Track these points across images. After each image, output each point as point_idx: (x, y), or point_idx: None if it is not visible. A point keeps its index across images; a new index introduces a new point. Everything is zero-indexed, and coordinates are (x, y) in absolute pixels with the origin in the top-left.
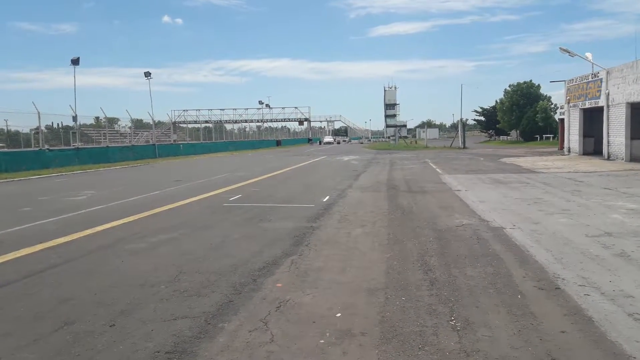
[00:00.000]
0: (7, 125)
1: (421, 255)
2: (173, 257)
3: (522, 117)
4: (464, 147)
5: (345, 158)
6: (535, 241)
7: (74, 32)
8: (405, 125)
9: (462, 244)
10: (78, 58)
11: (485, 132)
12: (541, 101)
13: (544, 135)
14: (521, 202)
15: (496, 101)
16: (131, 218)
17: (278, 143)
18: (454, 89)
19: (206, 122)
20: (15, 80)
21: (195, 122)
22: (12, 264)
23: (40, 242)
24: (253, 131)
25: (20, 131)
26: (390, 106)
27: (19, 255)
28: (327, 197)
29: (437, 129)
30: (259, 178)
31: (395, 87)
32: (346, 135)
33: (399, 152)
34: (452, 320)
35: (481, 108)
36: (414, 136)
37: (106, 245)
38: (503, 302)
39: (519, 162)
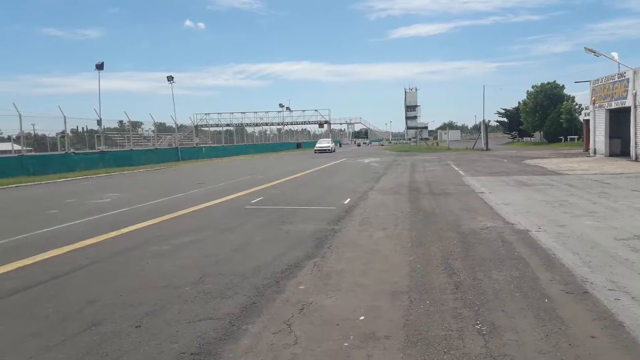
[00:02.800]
0: (34, 129)
1: (445, 258)
2: (196, 259)
3: (545, 118)
4: (487, 149)
5: (366, 160)
6: (561, 244)
7: (98, 37)
8: (426, 127)
9: (486, 247)
10: (102, 63)
11: (508, 134)
12: (565, 102)
13: (568, 137)
14: (546, 204)
15: (519, 102)
16: (155, 220)
17: (298, 145)
18: (475, 90)
19: (228, 125)
20: (42, 85)
21: (217, 125)
22: (41, 265)
23: (67, 244)
24: (274, 134)
25: (47, 135)
26: (410, 108)
27: (47, 257)
28: (348, 200)
29: (459, 131)
30: (280, 180)
31: (416, 89)
32: (366, 138)
33: (420, 154)
34: (477, 324)
35: (503, 109)
36: (435, 138)
37: (131, 247)
38: (530, 306)
39: (543, 164)
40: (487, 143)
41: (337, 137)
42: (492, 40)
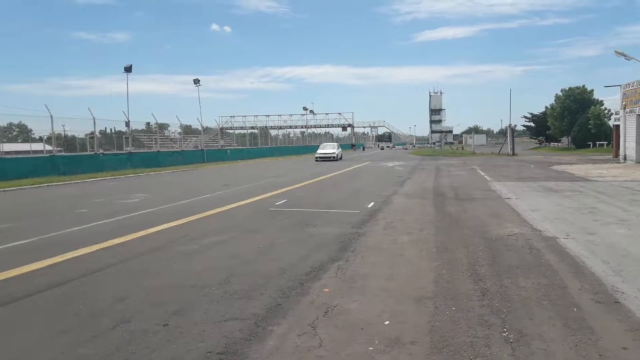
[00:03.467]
0: (64, 130)
1: (471, 265)
2: (222, 259)
3: (573, 123)
4: (513, 154)
5: (390, 164)
6: (591, 252)
7: (126, 40)
8: (451, 131)
9: (513, 254)
10: (130, 65)
11: (534, 139)
12: (594, 107)
13: (597, 142)
14: (575, 211)
15: (546, 107)
16: (182, 221)
17: None
18: (501, 94)
19: (252, 127)
20: (72, 87)
21: (242, 128)
22: (72, 263)
23: (97, 243)
24: (297, 137)
25: (77, 136)
26: (435, 112)
27: (77, 255)
28: (372, 203)
29: (485, 135)
30: (304, 183)
31: (441, 92)
32: (390, 141)
33: (444, 158)
34: (504, 332)
35: (530, 114)
36: (460, 142)
37: (158, 247)
38: (558, 315)
39: (572, 170)
40: (513, 148)
41: (360, 141)
42: (519, 44)
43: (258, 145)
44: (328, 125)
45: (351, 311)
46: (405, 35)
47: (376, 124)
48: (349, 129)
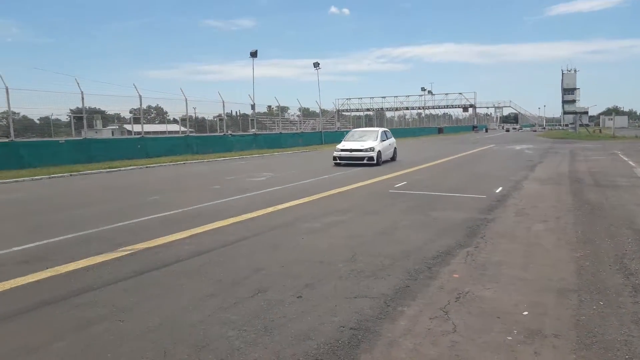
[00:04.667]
0: (195, 113)
1: (619, 257)
2: (345, 238)
3: None
4: None
5: (517, 147)
6: None
7: (251, 26)
8: (586, 112)
9: None
10: (256, 51)
11: None
12: None
13: None
14: None
15: None
16: (305, 199)
17: (440, 130)
18: None
19: (367, 109)
20: (202, 72)
21: (357, 110)
22: (210, 234)
23: (231, 217)
24: (413, 118)
25: (206, 118)
26: (568, 91)
27: (215, 227)
28: (500, 188)
29: (626, 117)
30: (423, 166)
31: (575, 70)
32: (516, 123)
33: (579, 141)
34: None
35: None
36: (597, 124)
37: (286, 223)
38: None
39: None
40: None
41: (483, 122)
42: None
43: (373, 127)
44: (447, 106)
45: (485, 299)
46: (537, 9)
47: (501, 104)
48: (470, 109)
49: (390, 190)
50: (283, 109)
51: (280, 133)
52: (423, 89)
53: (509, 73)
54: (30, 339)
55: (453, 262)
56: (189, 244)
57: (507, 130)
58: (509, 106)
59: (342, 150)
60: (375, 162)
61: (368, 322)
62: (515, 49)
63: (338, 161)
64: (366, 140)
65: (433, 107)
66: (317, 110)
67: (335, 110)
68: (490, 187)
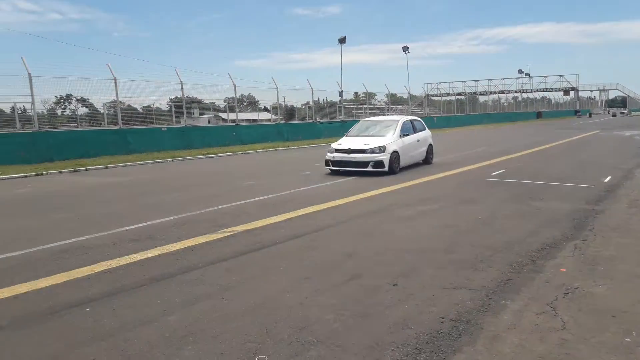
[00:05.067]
0: (284, 101)
1: None
2: (440, 227)
3: None
4: None
5: (627, 133)
6: None
7: (337, 13)
8: None
9: None
10: (344, 37)
11: None
12: None
13: None
14: None
15: None
16: (394, 187)
17: (538, 115)
18: None
19: (459, 94)
20: (291, 61)
21: (448, 94)
22: (304, 219)
23: (323, 202)
24: (509, 103)
25: (295, 106)
26: None
27: (307, 212)
28: (609, 178)
29: None
30: (521, 153)
31: None
32: (624, 107)
33: None
34: None
35: None
36: None
37: (377, 210)
38: None
39: None
40: None
41: (586, 106)
42: None
43: (465, 112)
44: (546, 89)
45: (597, 296)
46: None
47: (606, 87)
48: (572, 93)
49: (487, 179)
50: (370, 95)
51: None
52: (520, 72)
53: (615, 53)
54: (145, 312)
55: (559, 255)
56: (284, 228)
57: (614, 115)
58: (616, 89)
59: (338, 150)
60: (386, 168)
61: (469, 315)
62: (622, 27)
63: (331, 167)
64: (376, 136)
65: (531, 91)
66: (405, 96)
67: (424, 96)
68: (597, 176)
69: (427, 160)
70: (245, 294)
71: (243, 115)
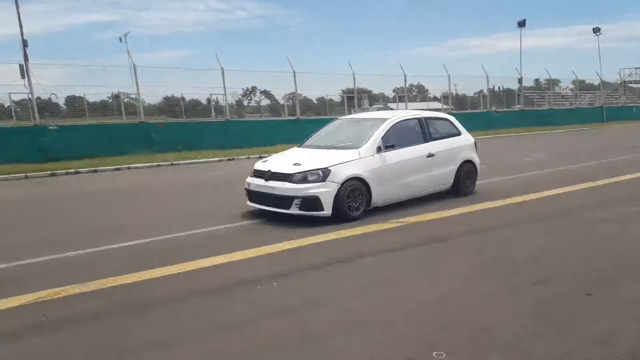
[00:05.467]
0: (455, 89)
1: None
2: None
3: None
4: None
5: None
6: None
7: None
8: None
9: None
10: (524, 20)
11: None
12: None
13: None
14: None
15: None
16: (589, 184)
17: None
18: None
19: None
20: (463, 47)
21: None
22: (480, 215)
23: (503, 198)
24: None
25: (467, 94)
26: None
27: (488, 207)
28: None
29: None
30: None
31: None
32: None
33: None
34: None
35: None
36: None
37: (567, 210)
38: None
39: None
40: None
41: None
42: None
43: None
44: None
45: None
46: None
47: None
48: None
49: None
50: (554, 82)
51: (551, 109)
52: None
53: None
54: (316, 293)
55: None
56: (462, 222)
57: None
58: None
59: (256, 173)
60: (326, 211)
61: None
62: None
63: (249, 201)
64: (340, 149)
65: None
66: (596, 83)
67: (620, 82)
68: None
69: (458, 187)
70: (418, 286)
71: (412, 105)
